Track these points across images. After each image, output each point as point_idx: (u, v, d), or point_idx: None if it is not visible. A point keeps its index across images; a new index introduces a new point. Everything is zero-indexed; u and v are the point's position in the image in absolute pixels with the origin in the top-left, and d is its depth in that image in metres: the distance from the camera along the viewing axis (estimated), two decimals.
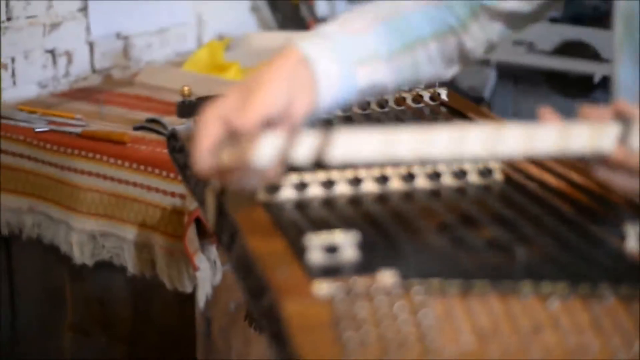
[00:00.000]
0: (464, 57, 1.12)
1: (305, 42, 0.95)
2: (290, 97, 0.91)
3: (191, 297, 1.83)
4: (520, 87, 3.05)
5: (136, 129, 2.00)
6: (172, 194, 1.81)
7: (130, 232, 1.85)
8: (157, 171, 1.83)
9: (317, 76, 0.94)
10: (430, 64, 1.08)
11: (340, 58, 0.96)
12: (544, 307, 0.79)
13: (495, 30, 1.11)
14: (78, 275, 1.96)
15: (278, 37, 2.55)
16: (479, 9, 1.09)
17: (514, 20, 1.11)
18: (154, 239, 1.83)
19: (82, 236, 1.90)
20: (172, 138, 1.31)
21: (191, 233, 1.79)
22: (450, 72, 1.13)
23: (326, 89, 0.95)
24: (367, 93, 1.01)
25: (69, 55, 2.35)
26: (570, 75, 2.91)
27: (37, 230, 1.96)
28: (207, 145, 0.91)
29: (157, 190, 1.83)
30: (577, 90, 2.93)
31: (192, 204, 1.79)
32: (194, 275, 1.81)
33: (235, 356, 1.91)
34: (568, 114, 0.90)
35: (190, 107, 1.31)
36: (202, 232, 1.81)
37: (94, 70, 2.41)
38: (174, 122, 1.64)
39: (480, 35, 1.11)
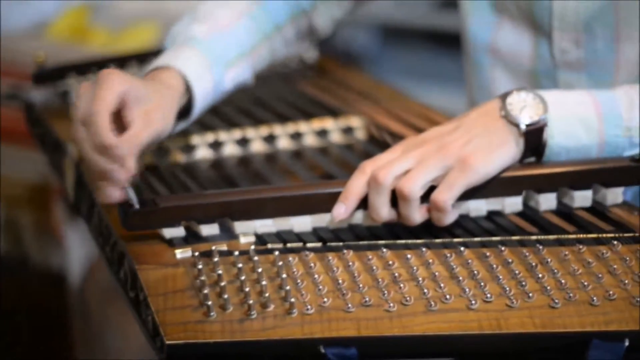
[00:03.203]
0: (313, 35, 1.13)
1: (181, 60, 0.94)
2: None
3: (64, 275, 1.78)
4: (391, 43, 3.07)
5: None
6: (37, 167, 1.76)
7: None
8: (18, 144, 1.77)
9: (195, 96, 0.95)
10: (285, 47, 1.09)
11: (212, 67, 0.96)
12: (402, 261, 0.79)
13: (342, 7, 1.12)
14: None
15: (146, 2, 2.49)
16: None
17: None
18: (20, 216, 1.78)
19: None
20: (30, 109, 1.27)
21: (59, 206, 1.75)
22: (301, 50, 1.14)
23: (200, 101, 0.95)
24: (230, 93, 1.01)
25: None
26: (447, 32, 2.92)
27: None
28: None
29: (20, 164, 1.77)
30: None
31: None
32: (66, 251, 1.77)
33: (114, 333, 1.87)
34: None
35: (46, 75, 1.27)
36: None
37: None
38: (34, 92, 1.58)
39: (326, 13, 1.11)
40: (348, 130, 1.07)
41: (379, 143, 1.05)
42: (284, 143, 1.05)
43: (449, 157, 0.84)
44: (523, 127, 0.85)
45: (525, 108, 0.86)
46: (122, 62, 1.31)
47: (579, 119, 0.87)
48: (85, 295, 1.82)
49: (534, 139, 0.86)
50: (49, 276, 1.80)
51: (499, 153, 0.85)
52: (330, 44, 2.93)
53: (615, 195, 0.87)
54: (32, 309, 1.84)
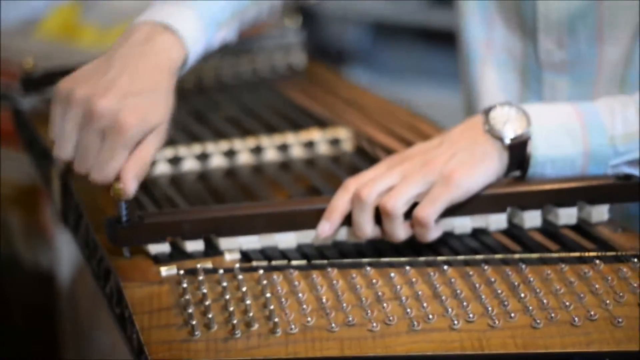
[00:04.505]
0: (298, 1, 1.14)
1: (180, 21, 0.91)
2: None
3: (54, 275, 1.78)
4: (382, 39, 3.07)
5: None
6: (26, 168, 1.76)
7: None
8: (8, 145, 1.77)
9: (187, 64, 0.93)
10: (270, 11, 1.09)
11: (207, 29, 0.94)
12: (386, 280, 0.80)
13: None
14: None
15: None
16: None
17: None
18: (9, 216, 1.78)
19: None
20: (19, 115, 1.27)
21: (49, 207, 1.75)
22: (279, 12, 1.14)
23: (188, 67, 0.94)
24: (214, 52, 1.01)
25: None
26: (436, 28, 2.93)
27: None
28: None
29: (10, 164, 1.77)
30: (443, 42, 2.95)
31: None
32: (55, 252, 1.77)
33: (104, 334, 1.88)
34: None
35: (35, 82, 1.27)
36: None
37: None
38: (23, 98, 1.58)
39: None
40: (335, 142, 1.07)
41: (365, 155, 1.05)
42: (271, 154, 1.05)
43: (432, 172, 0.84)
44: (507, 141, 0.86)
45: (509, 122, 0.87)
46: None
47: (563, 129, 0.87)
48: (75, 295, 1.83)
49: (518, 153, 0.87)
50: (39, 277, 1.80)
51: (482, 168, 0.85)
52: (321, 41, 2.93)
53: (600, 213, 0.88)
54: (21, 309, 1.84)
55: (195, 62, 0.95)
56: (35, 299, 1.84)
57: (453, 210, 0.85)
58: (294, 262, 0.82)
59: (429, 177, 0.84)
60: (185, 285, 0.79)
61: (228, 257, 0.84)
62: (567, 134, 0.87)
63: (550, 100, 1.02)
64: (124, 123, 0.83)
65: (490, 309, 0.76)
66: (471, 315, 0.76)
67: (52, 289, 1.80)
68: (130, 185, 0.84)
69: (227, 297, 0.78)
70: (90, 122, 0.84)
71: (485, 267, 0.81)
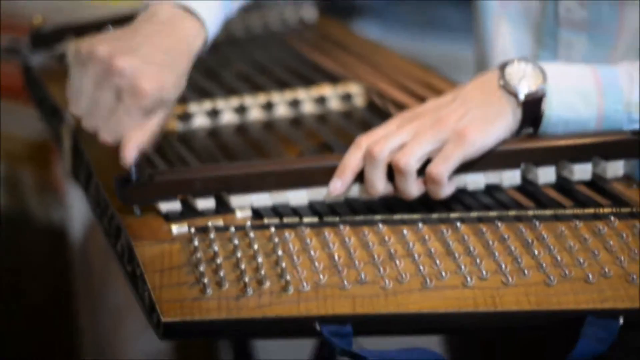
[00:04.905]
0: None
1: (200, 4, 0.90)
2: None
3: (66, 232, 1.78)
4: None
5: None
6: (37, 124, 1.75)
7: None
8: (19, 100, 1.76)
9: (208, 33, 0.91)
10: None
11: (225, 5, 0.94)
12: (398, 237, 0.79)
13: None
14: None
15: None
16: None
17: None
18: (21, 172, 1.78)
19: None
20: (28, 72, 1.26)
21: (60, 163, 1.75)
22: None
23: (211, 39, 0.93)
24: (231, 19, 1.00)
25: None
26: None
27: None
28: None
29: (20, 120, 1.76)
30: None
31: None
32: (67, 208, 1.77)
33: (117, 290, 1.88)
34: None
35: (44, 38, 1.26)
36: None
37: None
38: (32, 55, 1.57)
39: None
40: (347, 97, 1.06)
41: (377, 110, 1.04)
42: (282, 110, 1.04)
43: (445, 130, 0.83)
44: (521, 97, 0.85)
45: (525, 78, 0.85)
46: (120, 23, 1.30)
47: (578, 91, 0.86)
48: (87, 251, 1.83)
49: (532, 110, 0.86)
50: (51, 233, 1.80)
51: (496, 125, 0.84)
52: None
53: (615, 169, 0.87)
54: (33, 266, 1.85)
55: (214, 38, 0.94)
56: (47, 257, 1.85)
57: (466, 166, 0.84)
58: (306, 220, 0.82)
59: (442, 135, 0.83)
60: (196, 243, 0.79)
61: (239, 214, 0.84)
62: (582, 96, 0.86)
63: (565, 59, 1.00)
64: (142, 88, 0.82)
65: (503, 266, 0.76)
66: (484, 273, 0.75)
67: (64, 246, 1.80)
68: (130, 154, 0.83)
69: (239, 255, 0.77)
70: (109, 77, 0.82)
71: (499, 223, 0.80)
